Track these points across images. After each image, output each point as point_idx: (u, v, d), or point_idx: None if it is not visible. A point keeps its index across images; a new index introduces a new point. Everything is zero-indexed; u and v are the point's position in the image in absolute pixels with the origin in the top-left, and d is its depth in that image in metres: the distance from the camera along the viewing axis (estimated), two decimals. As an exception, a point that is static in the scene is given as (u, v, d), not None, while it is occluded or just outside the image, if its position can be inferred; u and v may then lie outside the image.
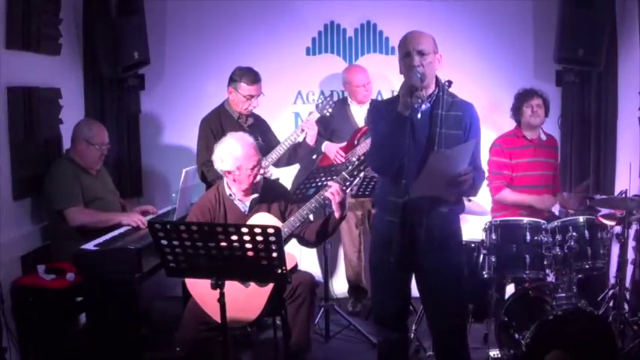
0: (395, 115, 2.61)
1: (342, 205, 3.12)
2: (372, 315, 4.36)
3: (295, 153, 4.12)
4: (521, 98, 4.10)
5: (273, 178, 3.99)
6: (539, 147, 4.11)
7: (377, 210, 2.94)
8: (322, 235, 3.30)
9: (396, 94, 4.73)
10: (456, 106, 2.74)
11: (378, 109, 2.88)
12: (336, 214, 3.15)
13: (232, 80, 3.99)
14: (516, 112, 4.13)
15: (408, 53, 2.67)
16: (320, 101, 4.12)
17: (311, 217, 3.43)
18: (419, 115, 2.63)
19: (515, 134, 4.15)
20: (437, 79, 2.76)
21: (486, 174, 3.02)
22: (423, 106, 2.66)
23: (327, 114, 4.09)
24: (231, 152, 3.20)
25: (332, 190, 3.08)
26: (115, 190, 4.11)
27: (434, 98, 2.73)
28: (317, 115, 4.05)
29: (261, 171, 3.69)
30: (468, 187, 2.65)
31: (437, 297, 2.83)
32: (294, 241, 3.36)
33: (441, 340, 2.91)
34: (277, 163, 4.11)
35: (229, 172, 3.23)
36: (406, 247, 2.69)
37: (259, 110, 4.14)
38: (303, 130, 4.03)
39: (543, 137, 4.17)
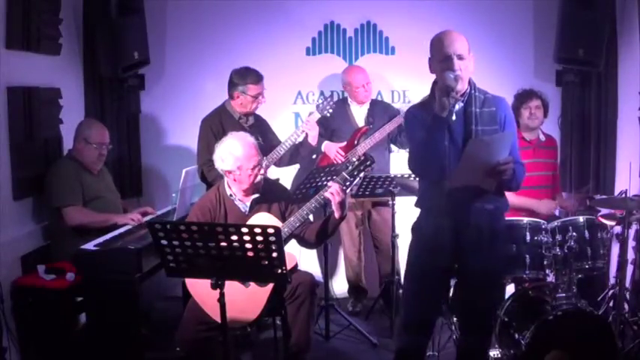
0: (432, 117, 2.59)
1: (342, 205, 3.12)
2: (374, 316, 4.40)
3: (297, 153, 4.12)
4: (520, 99, 4.10)
5: (273, 178, 3.99)
6: (539, 148, 4.11)
7: (421, 212, 2.89)
8: (322, 236, 3.29)
9: (396, 93, 4.78)
10: (488, 103, 2.72)
11: (413, 114, 2.82)
12: (336, 215, 3.15)
13: (236, 85, 3.96)
14: (514, 113, 4.13)
15: (449, 57, 2.62)
16: (320, 102, 4.12)
17: (311, 217, 3.43)
18: (453, 117, 2.61)
19: None
20: (469, 79, 2.74)
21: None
22: (457, 107, 2.64)
23: (328, 114, 4.09)
24: (232, 152, 3.20)
25: (332, 190, 3.08)
26: (116, 190, 4.11)
27: (466, 97, 2.71)
28: (317, 116, 4.04)
29: (262, 171, 3.70)
30: (508, 178, 2.61)
31: (477, 296, 2.81)
32: (294, 241, 3.36)
33: (470, 340, 2.90)
34: (278, 163, 4.11)
35: (230, 172, 3.23)
36: (454, 250, 2.67)
37: (259, 110, 4.14)
38: (303, 131, 4.03)
39: (542, 138, 4.17)
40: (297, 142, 4.04)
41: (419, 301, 2.87)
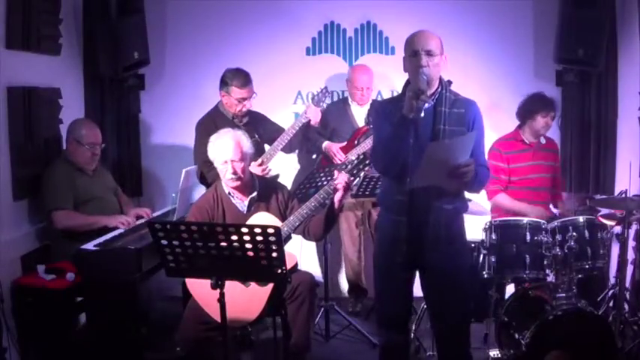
0: (399, 117, 2.62)
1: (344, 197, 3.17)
2: (374, 316, 4.39)
3: (307, 136, 4.15)
4: (542, 106, 4.01)
5: (273, 174, 3.98)
6: (539, 150, 4.10)
7: (381, 209, 2.94)
8: (325, 226, 3.30)
9: (396, 93, 4.77)
10: (458, 104, 2.75)
11: (380, 109, 2.88)
12: (336, 204, 3.17)
13: (224, 84, 3.95)
14: (528, 115, 4.05)
15: (416, 52, 2.66)
16: (316, 93, 4.10)
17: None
18: (422, 114, 2.62)
19: (514, 137, 4.12)
20: (440, 78, 2.77)
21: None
22: (426, 105, 2.65)
23: (325, 105, 4.09)
24: (210, 147, 3.24)
25: (339, 183, 3.13)
26: (117, 186, 4.10)
27: (437, 96, 2.73)
28: (314, 108, 4.05)
29: (258, 170, 3.69)
30: (470, 180, 2.62)
31: (441, 296, 2.83)
32: (294, 241, 3.36)
33: (443, 339, 2.92)
34: (288, 149, 4.11)
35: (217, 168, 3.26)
36: (412, 246, 2.71)
37: (257, 108, 4.13)
38: (306, 118, 4.04)
39: (542, 141, 4.14)
40: (302, 126, 4.03)
41: (386, 298, 2.92)
